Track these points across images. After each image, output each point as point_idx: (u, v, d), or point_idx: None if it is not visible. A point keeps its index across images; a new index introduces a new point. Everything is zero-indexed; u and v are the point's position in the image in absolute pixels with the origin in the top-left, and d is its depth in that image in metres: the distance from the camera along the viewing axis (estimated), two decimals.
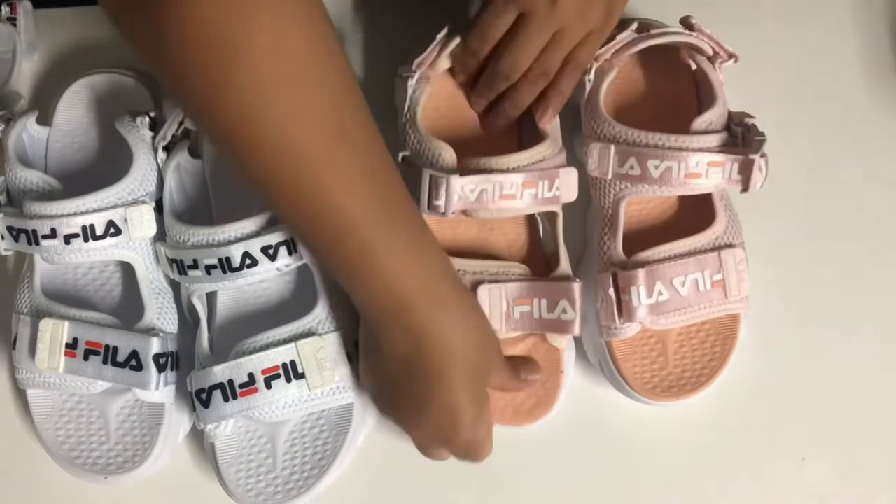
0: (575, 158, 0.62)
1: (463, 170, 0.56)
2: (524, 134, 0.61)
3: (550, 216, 0.60)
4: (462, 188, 0.55)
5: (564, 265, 0.58)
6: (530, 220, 0.61)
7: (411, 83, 0.59)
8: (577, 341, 0.60)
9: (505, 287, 0.56)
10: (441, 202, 0.56)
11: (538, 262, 0.60)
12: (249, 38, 0.42)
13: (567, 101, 0.60)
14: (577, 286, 0.57)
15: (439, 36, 0.59)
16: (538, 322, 0.56)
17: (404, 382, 0.51)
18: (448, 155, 0.57)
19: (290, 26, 0.43)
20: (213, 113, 0.44)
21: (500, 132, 0.61)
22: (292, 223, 0.50)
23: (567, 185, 0.58)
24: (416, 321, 0.49)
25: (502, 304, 0.56)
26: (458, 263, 0.57)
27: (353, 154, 0.47)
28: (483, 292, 0.56)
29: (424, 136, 0.58)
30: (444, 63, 0.60)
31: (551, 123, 0.60)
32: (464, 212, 0.57)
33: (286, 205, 0.47)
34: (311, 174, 0.45)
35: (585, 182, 0.61)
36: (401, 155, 0.58)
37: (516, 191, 0.56)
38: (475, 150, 0.57)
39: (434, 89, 0.61)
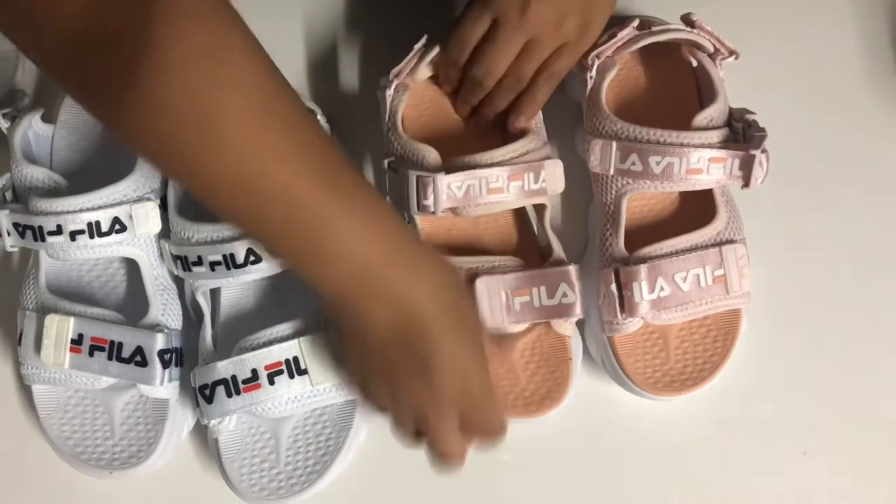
0: (576, 155, 0.63)
1: (447, 169, 0.56)
2: (507, 135, 0.61)
3: (539, 208, 0.60)
4: (449, 186, 0.56)
5: (558, 252, 0.59)
6: (522, 217, 0.62)
7: (389, 92, 0.60)
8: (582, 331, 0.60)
9: (502, 279, 0.57)
10: (429, 201, 0.56)
11: (533, 256, 0.60)
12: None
13: (542, 107, 0.61)
14: (573, 269, 0.57)
15: (417, 46, 0.60)
16: (539, 310, 0.57)
17: (401, 358, 0.48)
18: (432, 156, 0.57)
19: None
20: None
21: (483, 133, 0.62)
22: (242, 218, 0.46)
23: (553, 177, 0.58)
24: (395, 288, 0.47)
25: (501, 295, 0.57)
26: (454, 260, 0.58)
27: (282, 128, 0.44)
28: (481, 284, 0.57)
29: (406, 141, 0.58)
30: (425, 72, 0.61)
31: (528, 126, 0.60)
32: (454, 212, 0.57)
33: (227, 197, 0.44)
34: (242, 152, 0.43)
35: (587, 178, 0.61)
36: (386, 161, 0.59)
37: (502, 184, 0.56)
38: (459, 153, 0.57)
39: (414, 97, 0.62)
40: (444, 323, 0.48)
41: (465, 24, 0.58)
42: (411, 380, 0.49)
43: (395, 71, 0.60)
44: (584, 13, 0.57)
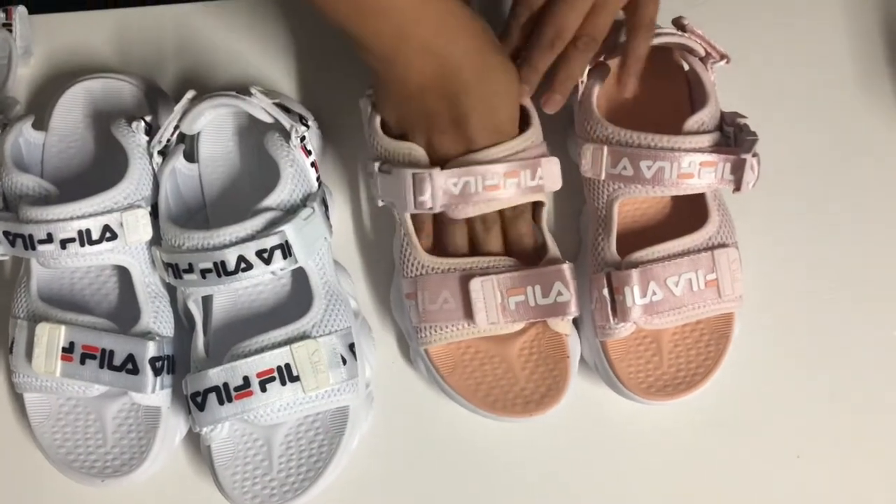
0: (569, 159, 0.63)
1: (444, 166, 0.56)
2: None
3: (536, 206, 0.60)
4: (445, 182, 0.56)
5: (553, 251, 0.59)
6: None
7: (372, 99, 0.60)
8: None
9: (497, 278, 0.57)
10: (426, 197, 0.56)
11: (527, 256, 0.60)
12: None
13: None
14: (567, 267, 0.57)
15: None
16: (535, 309, 0.57)
17: (436, 104, 0.55)
18: (417, 152, 0.57)
19: None
20: None
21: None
22: None
23: (550, 174, 0.58)
24: (426, 40, 0.53)
25: (496, 295, 0.57)
26: (448, 262, 0.58)
27: None
28: (476, 285, 0.56)
29: (389, 143, 0.58)
30: None
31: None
32: (448, 211, 0.57)
33: None
34: None
35: (580, 183, 0.61)
36: (376, 164, 0.59)
37: (499, 181, 0.56)
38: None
39: None
40: (472, 67, 0.54)
41: None
42: (445, 124, 0.56)
43: None
44: None
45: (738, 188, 0.57)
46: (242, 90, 0.59)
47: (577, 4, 0.55)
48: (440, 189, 0.56)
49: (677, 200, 0.61)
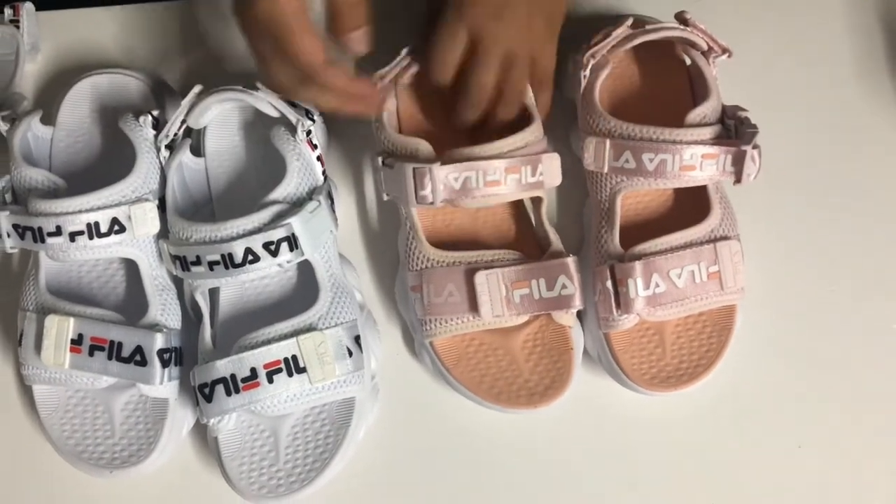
0: (573, 153, 0.63)
1: (445, 160, 0.57)
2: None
3: (535, 201, 0.61)
4: (446, 177, 0.56)
5: (556, 244, 0.59)
6: (520, 210, 0.62)
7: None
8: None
9: (501, 272, 0.57)
10: (427, 191, 0.56)
11: (531, 248, 0.61)
12: None
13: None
14: (571, 260, 0.57)
15: (398, 59, 0.60)
16: (539, 302, 0.57)
17: None
18: (424, 147, 0.58)
19: None
20: None
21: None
22: None
23: (550, 171, 0.58)
24: None
25: (501, 289, 0.57)
26: (453, 255, 0.58)
27: None
28: (481, 278, 0.57)
29: (396, 137, 0.59)
30: (409, 79, 0.62)
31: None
32: (451, 203, 0.58)
33: None
34: None
35: (583, 177, 0.62)
36: (380, 158, 0.59)
37: (500, 176, 0.56)
38: (456, 147, 0.57)
39: (403, 96, 0.62)
40: None
41: (441, 44, 0.57)
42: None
43: (379, 74, 0.60)
44: (546, 13, 0.57)
45: (738, 180, 0.57)
46: (249, 85, 0.60)
47: (491, 67, 0.56)
48: (440, 183, 0.56)
49: (679, 193, 0.62)
